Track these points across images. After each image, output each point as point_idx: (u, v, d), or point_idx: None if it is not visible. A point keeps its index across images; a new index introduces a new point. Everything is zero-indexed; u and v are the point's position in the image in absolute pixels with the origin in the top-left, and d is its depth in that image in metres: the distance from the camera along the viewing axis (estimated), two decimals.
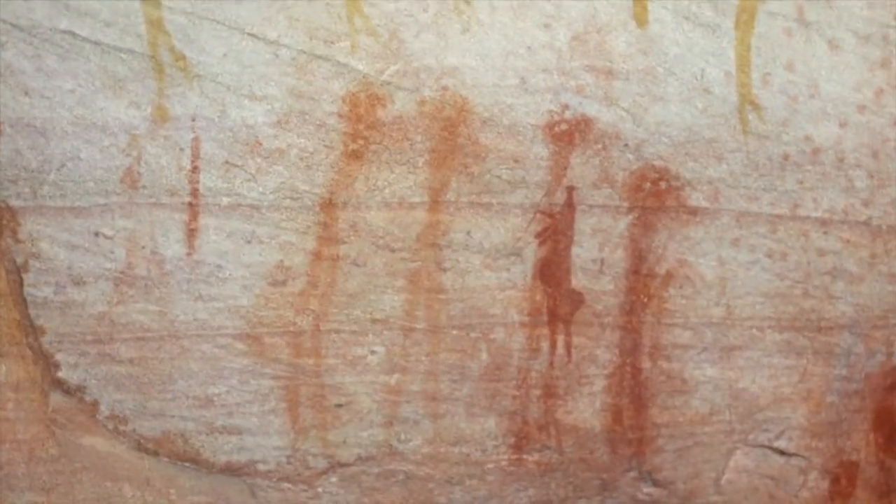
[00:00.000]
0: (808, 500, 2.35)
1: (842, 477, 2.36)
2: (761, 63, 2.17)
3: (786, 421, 2.30)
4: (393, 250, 2.09)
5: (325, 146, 2.04)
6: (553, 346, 2.18)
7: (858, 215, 2.26)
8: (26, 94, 1.93)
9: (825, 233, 2.25)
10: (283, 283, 2.07)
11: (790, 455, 2.33)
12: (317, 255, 2.07)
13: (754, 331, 2.26)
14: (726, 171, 2.19)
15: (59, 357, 2.02)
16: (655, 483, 2.28)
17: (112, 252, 1.99)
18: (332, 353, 2.12)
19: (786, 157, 2.20)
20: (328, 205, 2.06)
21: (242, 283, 2.05)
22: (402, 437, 2.15)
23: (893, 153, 2.26)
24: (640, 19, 2.13)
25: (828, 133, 2.22)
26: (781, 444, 2.32)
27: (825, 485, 2.35)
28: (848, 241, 2.27)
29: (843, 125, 2.23)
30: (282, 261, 2.06)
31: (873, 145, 2.24)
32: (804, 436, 2.32)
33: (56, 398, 2.04)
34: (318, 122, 2.03)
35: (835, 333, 2.30)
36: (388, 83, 2.05)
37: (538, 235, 2.13)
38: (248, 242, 2.04)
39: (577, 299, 2.16)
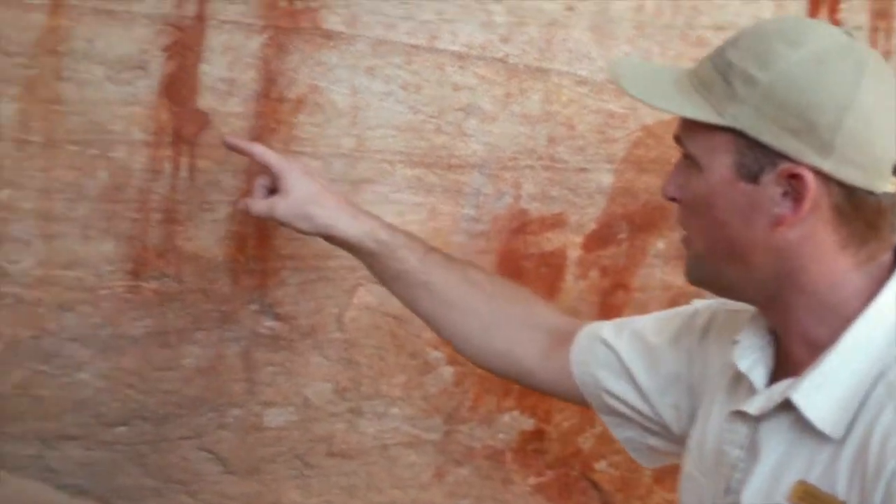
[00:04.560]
0: (429, 340, 2.52)
1: None
2: None
3: None
4: (9, 54, 2.06)
5: None
6: (176, 168, 2.21)
7: (496, 52, 2.40)
8: None
9: (461, 67, 2.38)
10: None
11: None
12: None
13: (384, 164, 2.37)
14: None
15: None
16: (277, 317, 2.39)
17: None
18: None
19: None
20: None
21: None
22: (12, 257, 2.16)
23: None
24: None
25: None
26: None
27: None
28: (483, 78, 2.41)
29: None
30: None
31: None
32: None
33: None
34: None
35: (465, 172, 2.44)
36: None
37: (166, 49, 2.15)
38: None
39: (203, 120, 2.20)
